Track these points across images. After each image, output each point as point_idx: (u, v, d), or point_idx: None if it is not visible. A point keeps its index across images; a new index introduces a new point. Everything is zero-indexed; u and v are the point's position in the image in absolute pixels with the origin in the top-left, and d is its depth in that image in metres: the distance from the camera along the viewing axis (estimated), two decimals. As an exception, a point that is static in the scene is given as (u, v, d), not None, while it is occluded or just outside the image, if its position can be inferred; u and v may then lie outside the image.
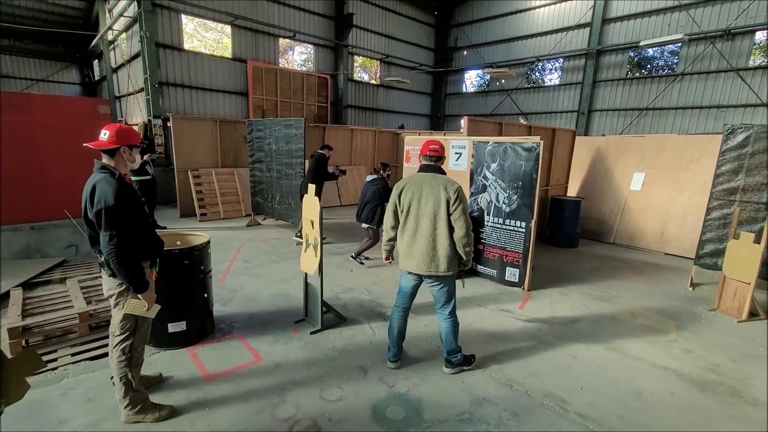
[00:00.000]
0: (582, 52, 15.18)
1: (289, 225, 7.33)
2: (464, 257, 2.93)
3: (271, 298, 4.57)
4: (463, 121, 5.96)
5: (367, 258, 5.95)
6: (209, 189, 9.02)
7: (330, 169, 6.71)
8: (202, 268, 3.41)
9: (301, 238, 6.48)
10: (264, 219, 8.60)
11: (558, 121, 16.25)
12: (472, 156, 5.36)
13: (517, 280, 5.04)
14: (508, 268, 5.10)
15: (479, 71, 19.34)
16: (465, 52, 19.52)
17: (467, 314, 4.16)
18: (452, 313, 3.09)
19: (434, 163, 3.06)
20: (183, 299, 3.32)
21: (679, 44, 12.93)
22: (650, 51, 14.45)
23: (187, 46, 12.29)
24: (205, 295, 3.51)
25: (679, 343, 3.81)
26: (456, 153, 5.57)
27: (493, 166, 5.13)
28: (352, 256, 5.94)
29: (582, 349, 3.61)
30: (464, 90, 20.34)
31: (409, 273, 3.05)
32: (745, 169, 4.95)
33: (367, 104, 18.06)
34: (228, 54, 13.25)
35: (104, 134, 2.30)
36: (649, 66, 14.83)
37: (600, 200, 8.10)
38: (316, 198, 3.61)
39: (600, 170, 8.31)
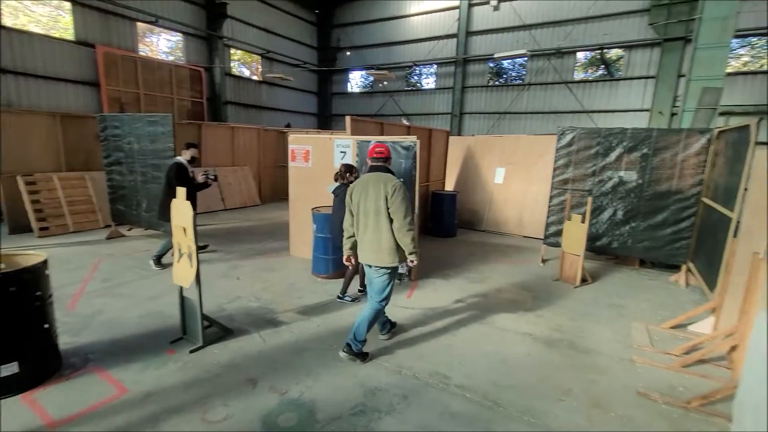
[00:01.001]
0: (452, 60, 16.82)
1: (161, 234, 6.49)
2: (404, 248, 3.14)
3: (139, 319, 4.00)
4: (347, 121, 6.06)
5: (355, 299, 4.63)
6: (51, 197, 7.43)
7: (200, 178, 5.65)
8: (39, 293, 2.81)
9: (156, 264, 5.47)
10: (129, 229, 7.47)
11: (436, 122, 17.72)
12: (357, 155, 5.49)
13: (404, 272, 5.35)
14: (395, 260, 5.38)
15: (363, 72, 19.89)
16: (348, 53, 19.86)
17: (359, 309, 4.25)
18: (382, 302, 3.30)
19: (381, 164, 3.31)
20: (12, 334, 2.69)
21: (525, 58, 15.30)
22: (505, 63, 16.77)
23: (9, 22, 9.89)
24: (45, 325, 2.90)
25: (533, 310, 4.53)
26: (341, 152, 5.64)
27: (377, 164, 5.33)
28: (338, 297, 4.64)
29: (460, 327, 4.02)
30: (349, 90, 20.71)
31: (366, 265, 3.31)
32: (573, 164, 6.11)
33: (249, 101, 17.06)
34: (70, 36, 11.09)
35: None
36: (505, 76, 17.20)
37: (472, 193, 9.09)
38: (188, 202, 3.27)
39: (471, 166, 9.33)
